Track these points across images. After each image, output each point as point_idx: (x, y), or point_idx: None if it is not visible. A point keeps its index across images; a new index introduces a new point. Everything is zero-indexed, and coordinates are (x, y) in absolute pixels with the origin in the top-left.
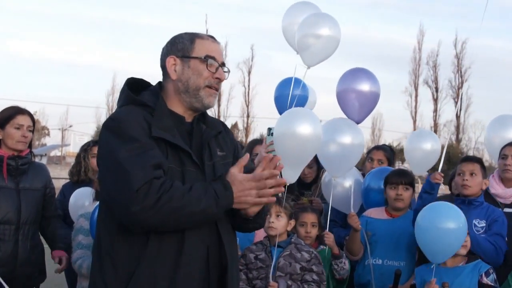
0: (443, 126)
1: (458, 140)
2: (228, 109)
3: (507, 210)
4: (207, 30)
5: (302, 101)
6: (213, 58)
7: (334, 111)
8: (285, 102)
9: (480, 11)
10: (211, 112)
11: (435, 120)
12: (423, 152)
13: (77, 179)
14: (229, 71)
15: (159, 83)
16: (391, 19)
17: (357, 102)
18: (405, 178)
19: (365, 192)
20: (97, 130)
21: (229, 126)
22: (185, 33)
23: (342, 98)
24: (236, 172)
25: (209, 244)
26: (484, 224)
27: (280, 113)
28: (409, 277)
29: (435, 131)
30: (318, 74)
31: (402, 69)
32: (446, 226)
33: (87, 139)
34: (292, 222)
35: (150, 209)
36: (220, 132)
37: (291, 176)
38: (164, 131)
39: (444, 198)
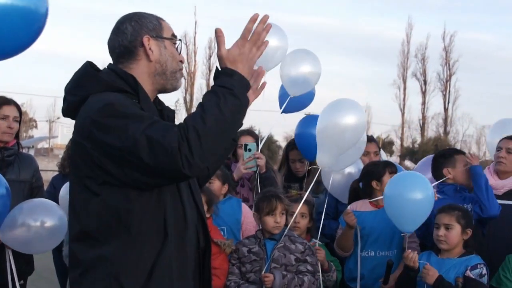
0: (431, 119)
1: (446, 133)
2: None
3: (499, 201)
4: (196, 22)
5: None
6: (177, 38)
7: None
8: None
9: (468, 4)
10: (195, 105)
11: (423, 113)
12: None
13: (68, 171)
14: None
15: (117, 65)
16: (380, 12)
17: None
18: (393, 167)
19: None
20: None
21: None
22: (143, 13)
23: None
24: (225, 51)
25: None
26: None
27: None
28: (398, 265)
29: (423, 124)
30: None
31: (391, 62)
32: (413, 197)
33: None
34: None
35: (192, 158)
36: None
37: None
38: (156, 116)
39: None
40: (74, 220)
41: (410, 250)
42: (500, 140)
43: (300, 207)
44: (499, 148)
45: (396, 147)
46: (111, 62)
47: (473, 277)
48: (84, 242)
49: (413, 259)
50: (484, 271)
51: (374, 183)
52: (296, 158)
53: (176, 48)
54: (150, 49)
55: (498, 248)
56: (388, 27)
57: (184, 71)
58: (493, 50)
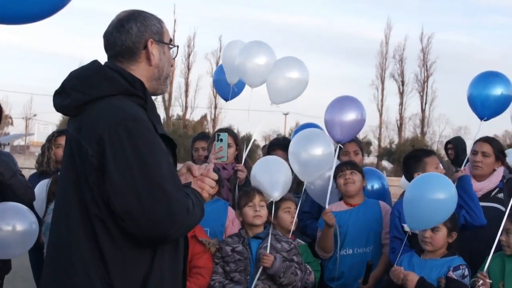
0: (408, 120)
1: (423, 133)
2: (196, 100)
3: None
4: (175, 20)
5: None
6: (177, 45)
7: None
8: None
9: (446, 6)
10: (178, 102)
11: (400, 114)
12: None
13: (42, 169)
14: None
15: (117, 65)
16: (359, 13)
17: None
18: (350, 165)
19: None
20: (62, 120)
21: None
22: (147, 13)
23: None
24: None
25: None
26: None
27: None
28: (376, 262)
29: (401, 124)
30: None
31: (369, 63)
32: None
33: (51, 128)
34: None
35: (180, 229)
36: None
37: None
38: (160, 124)
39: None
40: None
41: (400, 267)
42: (475, 143)
43: (290, 204)
44: (474, 152)
45: (374, 147)
46: (105, 57)
47: (455, 277)
48: None
49: (398, 277)
50: (466, 272)
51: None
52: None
53: (172, 55)
54: (152, 53)
55: (477, 249)
56: (367, 28)
57: None
58: (469, 52)
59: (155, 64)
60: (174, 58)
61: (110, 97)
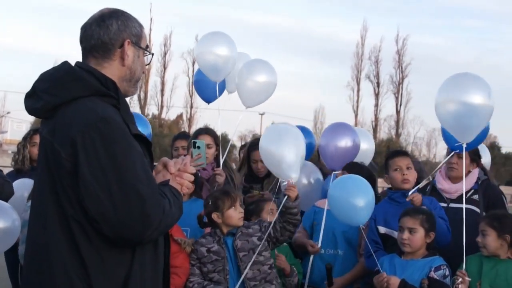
0: (383, 121)
1: (398, 134)
2: (172, 99)
3: (453, 205)
4: (151, 19)
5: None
6: (152, 53)
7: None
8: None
9: (421, 8)
10: (154, 101)
11: (376, 115)
12: None
13: (18, 167)
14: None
15: (90, 67)
16: (336, 14)
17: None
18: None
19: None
20: (36, 118)
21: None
22: (130, 15)
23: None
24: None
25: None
26: None
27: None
28: (349, 265)
29: (376, 126)
30: None
31: (345, 64)
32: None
33: (25, 126)
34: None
35: (155, 230)
36: None
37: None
38: (134, 124)
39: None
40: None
41: (384, 273)
42: None
43: (271, 204)
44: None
45: None
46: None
47: (437, 278)
48: None
49: (381, 284)
50: (447, 272)
51: None
52: (258, 159)
53: (146, 60)
54: (127, 53)
55: (453, 250)
56: (343, 29)
57: None
58: (444, 54)
59: (128, 65)
60: (147, 65)
61: (83, 99)
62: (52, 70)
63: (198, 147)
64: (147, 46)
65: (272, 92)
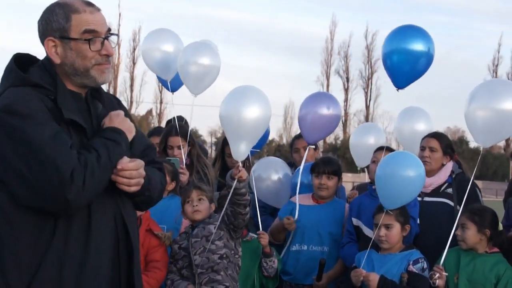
0: (353, 116)
1: None
2: (141, 95)
3: (427, 199)
4: (120, 14)
5: None
6: (94, 31)
7: None
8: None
9: (390, 4)
10: (124, 97)
11: (345, 110)
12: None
13: None
14: (117, 35)
15: (48, 58)
16: (304, 9)
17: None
18: (329, 167)
19: (295, 187)
20: None
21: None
22: (58, 6)
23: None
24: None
25: (116, 219)
26: None
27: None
28: (333, 262)
29: (345, 121)
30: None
31: (314, 59)
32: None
33: None
34: (213, 206)
35: (82, 191)
36: (115, 107)
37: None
38: (73, 113)
39: (360, 186)
40: None
41: (361, 270)
42: (422, 139)
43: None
44: (422, 148)
45: (319, 143)
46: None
47: (416, 271)
48: None
49: (357, 279)
50: (425, 265)
51: None
52: None
53: (91, 45)
54: (55, 51)
55: (428, 244)
56: (312, 25)
57: None
58: None
59: (61, 62)
60: (102, 46)
61: (16, 87)
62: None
63: (173, 164)
64: (87, 31)
65: (216, 76)
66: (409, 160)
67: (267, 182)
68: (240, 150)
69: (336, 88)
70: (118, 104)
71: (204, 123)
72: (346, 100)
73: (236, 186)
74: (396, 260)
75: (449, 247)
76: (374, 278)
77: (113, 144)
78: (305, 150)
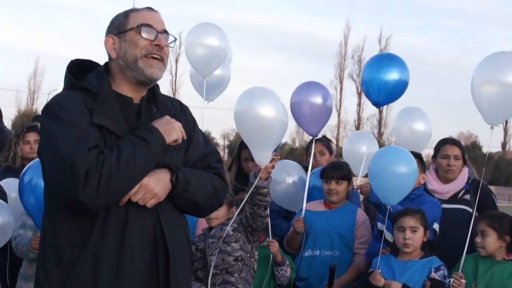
0: (366, 120)
1: (380, 133)
2: None
3: (445, 206)
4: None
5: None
6: (148, 25)
7: None
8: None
9: (404, 8)
10: None
11: (358, 114)
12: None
13: (7, 165)
14: (175, 40)
15: (106, 64)
16: (318, 13)
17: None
18: (337, 172)
19: (309, 190)
20: (17, 115)
21: None
22: (125, 10)
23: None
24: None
25: (155, 223)
26: None
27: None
28: (345, 267)
29: (358, 125)
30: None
31: (328, 63)
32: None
33: (6, 123)
34: (234, 209)
35: (97, 191)
36: (175, 113)
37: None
38: (107, 117)
39: None
40: None
41: (378, 270)
42: (442, 146)
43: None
44: (445, 156)
45: (332, 147)
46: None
47: (438, 279)
48: None
49: (378, 281)
50: (446, 273)
51: None
52: (249, 157)
53: (143, 33)
54: (114, 48)
55: (447, 251)
56: (327, 28)
57: None
58: (425, 54)
59: (117, 56)
60: (155, 38)
61: (67, 90)
62: None
63: None
64: (142, 24)
65: (223, 59)
66: (397, 153)
67: (282, 186)
68: (263, 154)
69: (350, 92)
70: (181, 110)
71: (217, 126)
72: (359, 104)
73: (259, 185)
74: (418, 267)
75: (465, 253)
76: (396, 287)
77: (141, 143)
78: (321, 154)
